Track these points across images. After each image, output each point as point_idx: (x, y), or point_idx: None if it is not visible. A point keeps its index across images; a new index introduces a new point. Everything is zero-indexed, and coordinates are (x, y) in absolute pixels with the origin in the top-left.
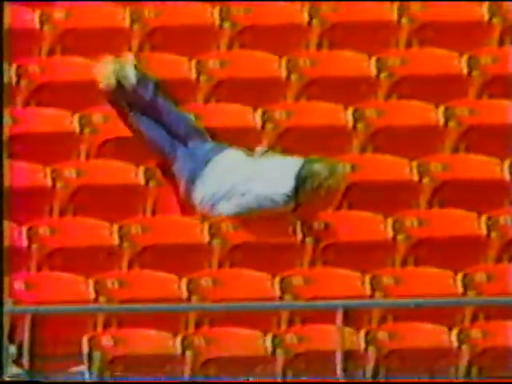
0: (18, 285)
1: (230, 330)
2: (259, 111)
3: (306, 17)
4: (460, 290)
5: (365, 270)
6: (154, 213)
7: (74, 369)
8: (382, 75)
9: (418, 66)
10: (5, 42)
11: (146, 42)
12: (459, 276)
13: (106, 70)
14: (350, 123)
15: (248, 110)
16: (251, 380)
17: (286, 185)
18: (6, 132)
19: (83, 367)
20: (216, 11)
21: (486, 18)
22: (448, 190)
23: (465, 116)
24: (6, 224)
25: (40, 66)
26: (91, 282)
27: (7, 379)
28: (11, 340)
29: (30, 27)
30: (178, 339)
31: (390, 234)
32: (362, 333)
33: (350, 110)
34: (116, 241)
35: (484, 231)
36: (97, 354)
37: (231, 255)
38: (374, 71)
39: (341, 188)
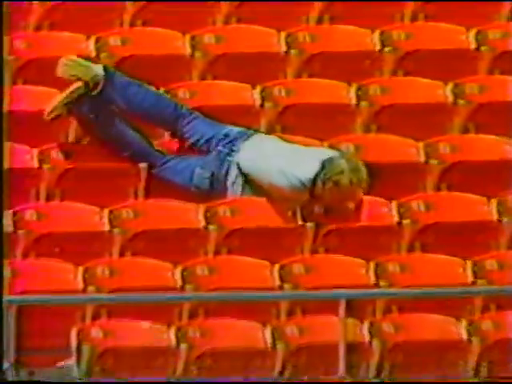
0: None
1: (227, 321)
2: (258, 89)
3: None
4: (470, 278)
5: (369, 257)
6: (146, 196)
7: (62, 363)
8: (387, 50)
9: (424, 41)
10: None
11: (138, 18)
12: (469, 264)
13: (68, 73)
14: (353, 101)
15: (246, 88)
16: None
17: (306, 172)
18: None
19: (71, 361)
20: None
21: None
22: (457, 173)
23: (474, 94)
24: None
25: (27, 41)
26: (80, 269)
27: (7, 379)
28: None
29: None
30: (172, 331)
31: (396, 218)
32: (366, 324)
33: (353, 88)
34: (106, 226)
35: (495, 216)
36: (86, 347)
37: (228, 241)
38: (378, 46)
39: (362, 189)
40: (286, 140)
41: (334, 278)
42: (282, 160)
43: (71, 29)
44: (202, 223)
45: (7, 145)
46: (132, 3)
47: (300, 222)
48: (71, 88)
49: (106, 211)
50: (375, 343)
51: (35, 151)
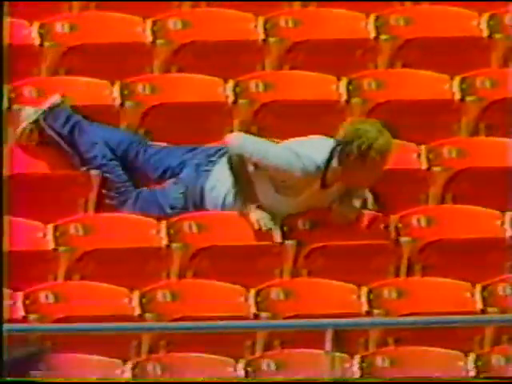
0: None
1: (193, 355)
2: (230, 83)
3: None
4: (479, 305)
5: (361, 282)
6: (97, 210)
7: None
8: (383, 37)
9: (427, 27)
10: None
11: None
12: (478, 288)
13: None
14: (344, 97)
15: (217, 82)
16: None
17: (322, 154)
18: None
19: None
20: None
21: None
22: (464, 181)
23: (486, 89)
24: None
25: None
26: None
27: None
28: None
29: None
30: (128, 366)
31: (393, 235)
32: (357, 358)
33: (344, 82)
34: (51, 244)
35: (509, 232)
36: None
37: (194, 262)
38: (372, 33)
39: (390, 152)
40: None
41: (318, 305)
42: (292, 145)
43: None
44: (164, 241)
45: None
46: None
47: (279, 240)
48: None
49: (50, 226)
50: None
51: None
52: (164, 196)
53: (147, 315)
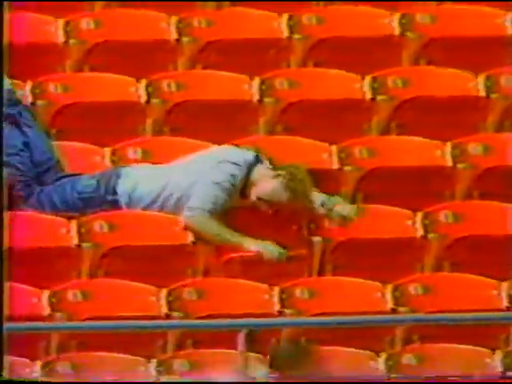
0: None
1: (104, 354)
2: (143, 83)
3: None
4: (505, 303)
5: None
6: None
7: None
8: (295, 37)
9: (339, 27)
10: None
11: None
12: (504, 286)
13: None
14: (256, 97)
15: (130, 82)
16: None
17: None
18: None
19: None
20: None
21: None
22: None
23: (397, 88)
24: None
25: None
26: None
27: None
28: None
29: None
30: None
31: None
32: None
33: (257, 81)
34: None
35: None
36: None
37: (106, 262)
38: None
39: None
40: None
41: (231, 304)
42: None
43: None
44: (75, 241)
45: None
46: None
47: (190, 240)
48: None
49: None
50: None
51: None
52: (73, 184)
53: (57, 314)
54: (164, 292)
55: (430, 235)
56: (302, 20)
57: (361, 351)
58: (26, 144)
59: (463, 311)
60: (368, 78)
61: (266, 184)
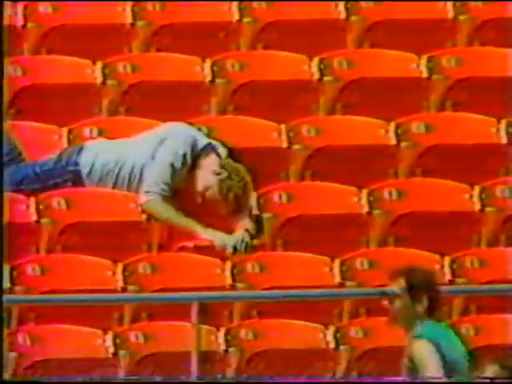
0: None
1: (62, 327)
2: (98, 65)
3: None
4: (448, 276)
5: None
6: None
7: None
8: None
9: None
10: None
11: None
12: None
13: None
14: (208, 78)
15: (86, 64)
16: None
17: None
18: None
19: None
20: None
21: None
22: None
23: (343, 69)
24: None
25: None
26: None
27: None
28: None
29: None
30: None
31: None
32: (222, 331)
33: (208, 63)
34: None
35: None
36: None
37: (63, 238)
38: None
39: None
40: None
41: (184, 278)
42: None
43: None
44: (34, 217)
45: None
46: None
47: (145, 217)
48: None
49: None
50: (232, 352)
51: None
52: (28, 165)
53: (17, 288)
54: (120, 266)
55: (375, 211)
56: (252, 4)
57: (310, 324)
58: None
59: None
60: (315, 60)
61: (204, 176)
